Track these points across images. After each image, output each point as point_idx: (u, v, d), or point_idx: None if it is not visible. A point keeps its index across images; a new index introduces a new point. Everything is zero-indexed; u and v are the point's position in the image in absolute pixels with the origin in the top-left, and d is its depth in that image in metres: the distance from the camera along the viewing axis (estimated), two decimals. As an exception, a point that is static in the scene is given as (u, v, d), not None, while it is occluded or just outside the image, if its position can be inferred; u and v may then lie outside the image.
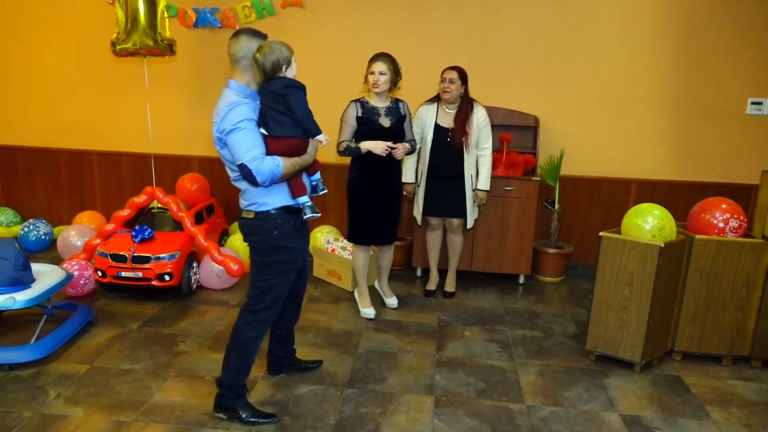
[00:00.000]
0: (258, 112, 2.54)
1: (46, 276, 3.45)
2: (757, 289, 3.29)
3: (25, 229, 5.00)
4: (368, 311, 3.91)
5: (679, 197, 4.70)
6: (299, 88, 2.55)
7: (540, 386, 3.14)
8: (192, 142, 5.13)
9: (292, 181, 2.63)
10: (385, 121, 3.63)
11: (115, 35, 3.99)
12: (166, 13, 4.13)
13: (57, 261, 4.49)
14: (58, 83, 5.19)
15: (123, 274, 3.94)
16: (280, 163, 2.50)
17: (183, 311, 3.93)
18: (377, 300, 4.14)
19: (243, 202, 2.67)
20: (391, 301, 4.10)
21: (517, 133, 4.63)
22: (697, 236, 3.27)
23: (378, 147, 3.50)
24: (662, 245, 3.09)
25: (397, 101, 3.72)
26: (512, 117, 4.63)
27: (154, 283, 3.94)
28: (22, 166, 5.41)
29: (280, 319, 2.89)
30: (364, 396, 2.98)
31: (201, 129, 5.03)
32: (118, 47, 3.97)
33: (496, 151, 4.45)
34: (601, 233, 3.29)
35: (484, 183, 4.06)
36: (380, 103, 3.66)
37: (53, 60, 5.15)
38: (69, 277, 3.61)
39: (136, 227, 4.14)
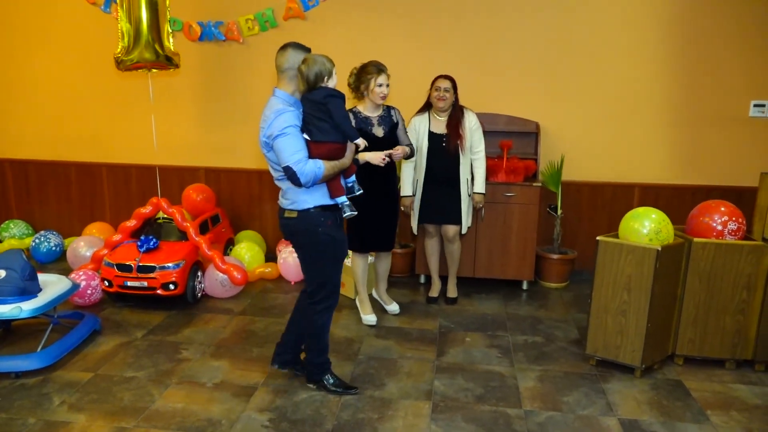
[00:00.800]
0: (301, 119, 2.77)
1: (52, 286, 3.53)
2: (758, 291, 3.26)
3: (37, 240, 5.10)
4: (369, 318, 3.93)
5: (682, 201, 4.66)
6: (338, 97, 2.78)
7: (539, 391, 3.13)
8: (199, 153, 5.20)
9: (331, 182, 2.85)
10: (379, 131, 3.66)
11: (118, 50, 4.09)
12: (169, 27, 4.21)
13: (67, 272, 4.56)
14: (69, 98, 5.31)
15: (129, 283, 4.01)
16: (321, 166, 2.74)
17: (187, 320, 3.99)
18: (379, 307, 4.16)
19: (284, 201, 2.90)
20: (392, 308, 4.12)
21: (518, 140, 4.64)
22: (696, 239, 3.25)
23: (376, 158, 3.52)
24: (659, 249, 3.09)
25: (388, 108, 3.74)
26: (513, 123, 4.65)
27: (159, 292, 4.01)
28: (34, 180, 5.54)
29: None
30: (362, 402, 3.00)
31: (207, 140, 5.11)
32: (121, 65, 4.06)
33: (497, 157, 4.47)
34: (598, 237, 3.29)
35: (480, 186, 4.10)
36: (373, 113, 3.68)
37: (63, 75, 5.27)
38: (75, 287, 3.68)
39: (142, 237, 4.21)
